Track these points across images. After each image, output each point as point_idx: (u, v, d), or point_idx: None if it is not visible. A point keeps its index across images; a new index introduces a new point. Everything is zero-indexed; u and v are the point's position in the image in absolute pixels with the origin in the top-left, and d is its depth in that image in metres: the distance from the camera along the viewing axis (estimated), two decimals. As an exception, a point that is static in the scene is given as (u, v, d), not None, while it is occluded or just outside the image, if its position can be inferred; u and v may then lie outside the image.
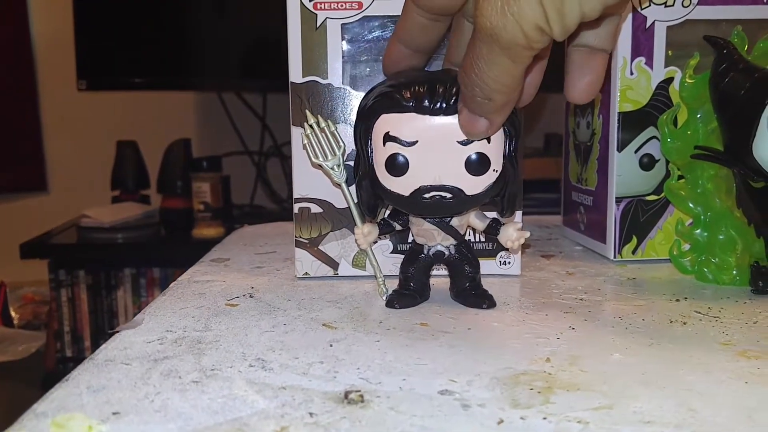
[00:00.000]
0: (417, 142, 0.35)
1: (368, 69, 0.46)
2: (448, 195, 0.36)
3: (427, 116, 0.35)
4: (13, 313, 1.62)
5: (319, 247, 0.45)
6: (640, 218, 0.48)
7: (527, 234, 0.39)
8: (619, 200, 0.47)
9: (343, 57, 0.43)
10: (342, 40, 0.44)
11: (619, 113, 0.47)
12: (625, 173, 0.47)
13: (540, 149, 1.61)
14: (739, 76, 0.40)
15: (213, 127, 1.80)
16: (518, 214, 0.44)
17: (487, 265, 0.45)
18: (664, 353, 0.32)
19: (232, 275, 0.47)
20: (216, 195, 1.44)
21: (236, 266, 0.49)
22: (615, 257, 0.48)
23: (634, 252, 0.48)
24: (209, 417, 0.25)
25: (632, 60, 0.46)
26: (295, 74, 0.43)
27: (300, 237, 0.45)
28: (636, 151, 0.47)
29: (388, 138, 0.36)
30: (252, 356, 0.32)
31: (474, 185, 0.36)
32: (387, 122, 0.36)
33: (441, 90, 0.35)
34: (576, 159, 0.54)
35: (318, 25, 0.43)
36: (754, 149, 0.38)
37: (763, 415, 0.26)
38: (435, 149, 0.35)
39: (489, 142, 0.35)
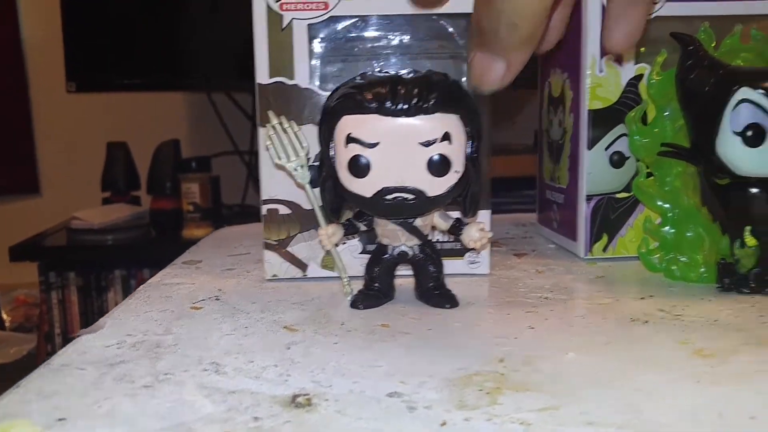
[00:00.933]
0: (379, 143, 0.35)
1: (336, 69, 0.46)
2: (411, 196, 0.36)
3: (389, 118, 0.35)
4: (4, 316, 1.63)
5: (288, 249, 0.45)
6: (610, 216, 0.48)
7: (490, 234, 0.39)
8: (589, 198, 0.47)
9: (310, 57, 0.43)
10: (309, 40, 0.44)
11: (589, 111, 0.47)
12: (595, 171, 0.47)
13: (530, 146, 1.61)
14: (703, 73, 0.40)
15: (203, 128, 1.80)
16: (487, 213, 0.44)
17: (456, 265, 0.45)
18: (620, 352, 0.32)
19: (201, 278, 0.47)
20: (205, 195, 1.45)
21: (207, 268, 0.49)
22: (586, 255, 0.48)
23: (604, 250, 0.48)
24: (155, 422, 0.25)
25: (601, 57, 0.46)
26: (262, 75, 0.43)
27: (268, 239, 0.45)
28: (606, 149, 0.47)
29: (350, 139, 0.35)
30: (208, 360, 0.32)
31: (436, 186, 0.36)
32: (349, 123, 0.36)
33: (403, 91, 0.35)
34: (549, 157, 0.54)
35: (284, 26, 0.43)
36: (717, 146, 0.38)
37: (708, 414, 0.26)
38: (397, 151, 0.35)
39: (450, 143, 0.35)
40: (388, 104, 0.35)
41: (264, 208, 0.44)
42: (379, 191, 0.36)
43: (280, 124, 0.38)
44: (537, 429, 0.25)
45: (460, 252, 0.45)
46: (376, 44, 0.46)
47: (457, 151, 0.36)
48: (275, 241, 0.44)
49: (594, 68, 0.46)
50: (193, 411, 0.26)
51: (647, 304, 0.39)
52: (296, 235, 0.44)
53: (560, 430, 0.25)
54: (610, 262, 0.48)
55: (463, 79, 0.48)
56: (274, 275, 0.45)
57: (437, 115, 0.35)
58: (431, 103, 0.35)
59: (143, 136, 1.69)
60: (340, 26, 0.45)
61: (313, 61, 0.46)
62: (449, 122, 0.35)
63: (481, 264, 0.45)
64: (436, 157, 0.35)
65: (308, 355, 0.32)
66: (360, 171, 0.35)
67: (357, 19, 0.44)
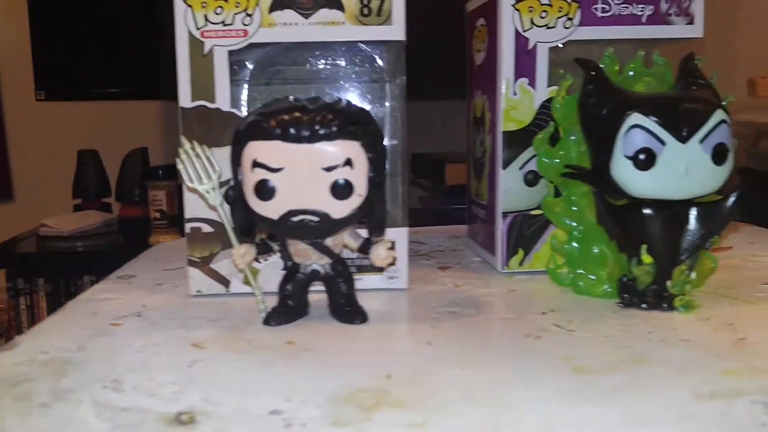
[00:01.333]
0: (283, 168, 0.37)
1: (260, 94, 0.48)
2: (315, 218, 0.37)
3: (293, 144, 0.37)
4: (-27, 322, 1.63)
5: (211, 266, 0.46)
6: (525, 232, 0.50)
7: (395, 254, 0.40)
8: (505, 215, 0.49)
9: (234, 82, 0.45)
10: (233, 65, 0.45)
11: (504, 132, 0.48)
12: (510, 189, 0.49)
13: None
14: (602, 98, 0.42)
15: (174, 136, 1.80)
16: (404, 230, 0.46)
17: (375, 280, 0.47)
18: (504, 369, 0.34)
19: (130, 293, 0.48)
20: (172, 203, 1.45)
21: (139, 283, 0.51)
22: (503, 269, 0.50)
23: (521, 264, 0.50)
24: (42, 440, 0.27)
25: (515, 81, 0.48)
26: (185, 99, 0.45)
27: (192, 256, 0.46)
28: (521, 168, 0.49)
29: (255, 164, 0.37)
30: (110, 378, 0.33)
31: (339, 209, 0.37)
32: (255, 149, 0.37)
33: (306, 119, 0.36)
34: (474, 174, 0.55)
35: (206, 52, 0.44)
36: (612, 169, 0.40)
37: (565, 430, 0.27)
38: (300, 175, 0.37)
39: (352, 168, 0.37)
40: (291, 131, 0.36)
41: (188, 227, 0.46)
42: (284, 214, 0.37)
43: (193, 148, 0.40)
44: (399, 445, 0.26)
45: (379, 267, 0.47)
46: (299, 70, 0.48)
47: (359, 176, 0.37)
48: (199, 258, 0.46)
49: (508, 91, 0.48)
50: (78, 429, 0.28)
51: (546, 319, 0.41)
52: (218, 252, 0.46)
53: (420, 446, 0.26)
54: (526, 276, 0.50)
55: (387, 103, 0.49)
56: (198, 291, 0.46)
57: (339, 141, 0.36)
58: (333, 130, 0.36)
59: (114, 144, 1.69)
60: (263, 52, 0.47)
61: (238, 86, 0.47)
62: (351, 148, 0.37)
63: (400, 279, 0.47)
64: (337, 182, 0.37)
65: (207, 373, 0.34)
66: (266, 194, 0.37)
67: (279, 45, 0.46)
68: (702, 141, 0.38)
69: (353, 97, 0.49)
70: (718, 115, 0.39)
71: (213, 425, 0.28)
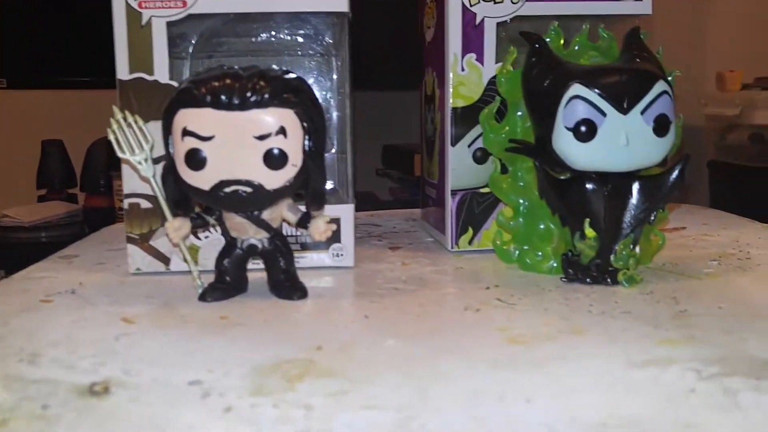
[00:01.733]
0: (214, 137, 0.36)
1: (203, 66, 0.47)
2: (248, 189, 0.36)
3: (223, 111, 0.35)
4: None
5: (150, 243, 0.45)
6: (475, 210, 0.49)
7: (333, 227, 0.39)
8: (454, 193, 0.49)
9: (170, 54, 0.44)
10: (174, 37, 0.44)
11: (452, 109, 0.48)
12: (459, 167, 0.48)
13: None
14: (544, 71, 0.41)
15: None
16: (350, 207, 0.45)
17: (320, 258, 0.46)
18: (437, 340, 0.33)
19: (68, 272, 0.47)
20: (138, 193, 1.43)
21: (80, 263, 0.49)
22: (452, 248, 0.49)
23: (470, 242, 0.49)
24: (-56, 411, 0.26)
25: (463, 56, 0.47)
26: (122, 71, 0.43)
27: (131, 233, 0.45)
28: (469, 146, 0.48)
29: (185, 132, 0.36)
30: (29, 351, 0.32)
31: (273, 180, 0.36)
32: (185, 117, 0.36)
33: (237, 86, 0.35)
34: (426, 153, 0.55)
35: (143, 23, 0.43)
36: (554, 142, 0.40)
37: (489, 397, 0.27)
38: (232, 144, 0.36)
39: (286, 137, 0.36)
40: (222, 98, 0.35)
41: (126, 202, 0.44)
42: (216, 184, 0.36)
43: (124, 118, 0.39)
44: (317, 413, 0.26)
45: (325, 245, 0.46)
46: (243, 42, 0.47)
47: (293, 146, 0.36)
48: (137, 235, 0.45)
49: (456, 67, 0.47)
50: (-17, 400, 0.26)
51: (489, 293, 0.40)
52: (158, 228, 0.45)
53: (339, 414, 0.26)
54: (474, 255, 0.49)
55: (334, 76, 0.49)
56: (138, 269, 0.45)
57: (271, 109, 0.35)
58: (265, 97, 0.35)
59: (79, 133, 1.66)
60: (205, 24, 0.46)
61: (181, 60, 0.46)
62: (284, 116, 0.36)
63: (345, 257, 0.46)
64: (271, 151, 0.36)
65: (132, 346, 0.32)
66: (197, 164, 0.36)
67: (222, 17, 0.45)
68: (643, 112, 0.38)
69: (298, 71, 0.47)
70: (660, 86, 0.38)
71: (127, 395, 0.27)
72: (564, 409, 0.26)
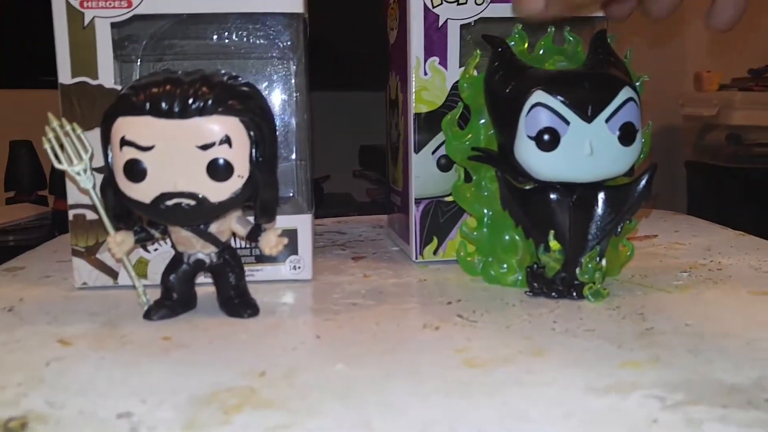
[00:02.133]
0: (154, 146, 0.34)
1: (152, 70, 0.44)
2: (191, 202, 0.34)
3: (163, 120, 0.33)
4: None
5: (97, 256, 0.43)
6: (439, 219, 0.47)
7: (285, 240, 0.37)
8: (418, 201, 0.47)
9: (118, 56, 0.41)
10: (121, 40, 0.42)
11: (415, 114, 0.46)
12: (423, 174, 0.47)
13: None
14: (506, 76, 0.39)
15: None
16: (308, 217, 0.43)
17: (276, 271, 0.44)
18: (390, 363, 0.31)
19: (11, 286, 0.44)
20: (108, 195, 1.40)
21: (25, 276, 0.47)
22: (417, 258, 0.48)
23: (435, 253, 0.48)
24: None
25: (426, 60, 0.45)
26: (64, 75, 0.41)
27: (76, 245, 0.42)
28: (433, 153, 0.47)
29: (124, 142, 0.34)
30: (-51, 379, 0.29)
31: (218, 192, 0.34)
32: (123, 125, 0.34)
33: (178, 92, 0.33)
34: (391, 159, 0.53)
35: (86, 24, 0.41)
36: (516, 150, 0.38)
37: (435, 429, 0.25)
38: (173, 154, 0.34)
39: (231, 147, 0.34)
40: (162, 105, 0.33)
41: (71, 213, 0.42)
42: (157, 197, 0.34)
43: (61, 126, 0.36)
44: (251, 450, 0.24)
45: (282, 258, 0.44)
46: (194, 44, 0.44)
47: (239, 156, 0.34)
48: (83, 247, 0.42)
49: (419, 71, 0.45)
50: None
51: (449, 309, 0.38)
52: (104, 241, 0.42)
53: (274, 451, 0.24)
54: (440, 265, 0.47)
55: (293, 80, 0.46)
56: (84, 283, 0.43)
57: (215, 117, 0.33)
58: (208, 103, 0.33)
59: (50, 133, 1.63)
60: (155, 25, 0.43)
61: (129, 63, 0.44)
62: (229, 125, 0.34)
63: (303, 269, 0.44)
64: (215, 161, 0.34)
65: (63, 373, 0.30)
66: (136, 176, 0.34)
67: (173, 18, 0.42)
68: (608, 120, 0.36)
69: (254, 74, 0.45)
70: (625, 93, 0.37)
71: (46, 431, 0.25)
72: (516, 444, 0.24)
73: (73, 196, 0.42)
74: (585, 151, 0.36)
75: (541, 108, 0.37)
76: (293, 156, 0.47)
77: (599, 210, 0.39)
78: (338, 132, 1.53)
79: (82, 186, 0.37)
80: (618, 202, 0.39)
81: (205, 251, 0.37)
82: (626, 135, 0.36)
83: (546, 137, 0.37)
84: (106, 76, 0.41)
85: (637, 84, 0.40)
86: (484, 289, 0.42)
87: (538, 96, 0.37)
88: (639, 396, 0.27)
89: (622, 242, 0.42)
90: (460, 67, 0.46)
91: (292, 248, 0.43)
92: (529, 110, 0.37)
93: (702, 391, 0.28)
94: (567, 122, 0.36)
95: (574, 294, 0.39)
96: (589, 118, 0.36)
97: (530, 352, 0.32)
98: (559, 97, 0.36)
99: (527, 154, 0.37)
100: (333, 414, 0.26)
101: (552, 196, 0.39)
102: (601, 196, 0.39)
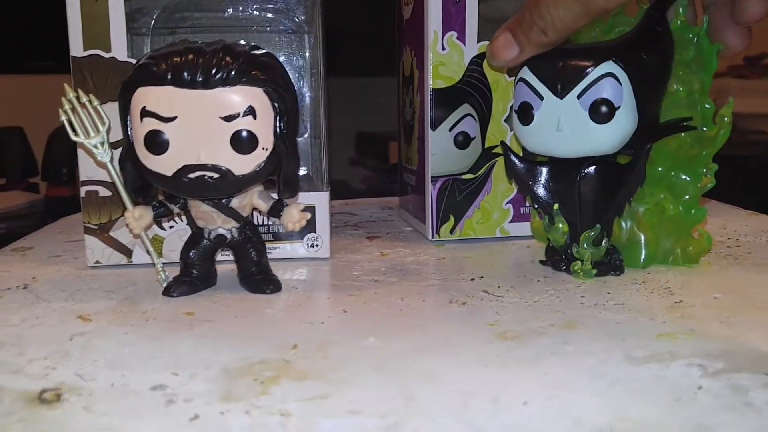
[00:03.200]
0: (176, 117, 0.33)
1: (166, 43, 0.43)
2: (215, 174, 0.33)
3: (186, 90, 0.33)
4: None
5: (110, 234, 0.42)
6: (456, 197, 0.46)
7: (308, 216, 0.37)
8: (435, 179, 0.46)
9: (129, 29, 0.40)
10: (134, 12, 0.41)
11: (432, 90, 0.45)
12: (439, 152, 0.46)
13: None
14: None
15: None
16: (325, 195, 0.43)
17: (294, 249, 0.43)
18: (421, 336, 0.31)
19: (21, 265, 0.43)
20: (102, 182, 1.39)
21: (34, 256, 0.46)
22: (433, 237, 0.47)
23: (452, 231, 0.47)
24: None
25: (443, 35, 0.45)
26: (76, 48, 0.40)
27: (89, 223, 0.42)
28: (450, 129, 0.46)
29: (145, 113, 0.33)
30: (-29, 354, 0.29)
31: (242, 164, 0.34)
32: (144, 96, 0.33)
33: (200, 62, 0.32)
34: (404, 138, 0.52)
35: (99, -6, 0.40)
36: (512, 123, 0.38)
37: (481, 400, 0.24)
38: (196, 125, 0.33)
39: (255, 118, 0.33)
40: (185, 75, 0.32)
41: (83, 190, 0.41)
42: (179, 169, 0.33)
43: (77, 97, 0.35)
44: (295, 420, 0.23)
45: (299, 235, 0.43)
46: (208, 17, 0.44)
47: (263, 127, 0.33)
48: (96, 225, 0.42)
49: (436, 46, 0.45)
50: None
51: (474, 285, 0.38)
52: (118, 218, 0.41)
53: (318, 421, 0.23)
54: (456, 244, 0.47)
55: (307, 54, 0.46)
56: (97, 262, 0.42)
57: (239, 87, 0.33)
58: (232, 74, 0.32)
59: (40, 120, 1.60)
60: (169, -2, 0.42)
61: (141, 36, 0.43)
62: (253, 96, 0.33)
63: (321, 247, 0.44)
64: (239, 133, 0.33)
65: (88, 347, 0.29)
66: (157, 147, 0.33)
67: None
68: (579, 96, 0.36)
69: (268, 48, 0.44)
70: (605, 67, 0.35)
71: (81, 403, 0.24)
72: (565, 412, 0.23)
73: (85, 172, 0.41)
74: (553, 126, 0.36)
75: (522, 83, 0.37)
76: (307, 133, 0.46)
77: (599, 188, 0.38)
78: (334, 118, 1.52)
79: (100, 159, 0.36)
80: (607, 180, 0.38)
81: (226, 226, 0.37)
82: (598, 112, 0.35)
83: (524, 111, 0.37)
84: (119, 49, 0.40)
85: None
86: (505, 267, 0.42)
87: (523, 71, 0.37)
88: (680, 365, 0.27)
89: (698, 230, 0.41)
90: (477, 41, 0.45)
91: (309, 226, 0.43)
92: (515, 84, 0.38)
93: (741, 360, 0.27)
94: (541, 97, 0.36)
95: (564, 268, 0.39)
96: (560, 94, 0.36)
97: (562, 325, 0.32)
98: (534, 73, 0.36)
99: (515, 127, 0.39)
100: (372, 385, 0.26)
101: (555, 170, 0.39)
102: (602, 173, 0.38)
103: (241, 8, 0.43)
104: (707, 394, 0.25)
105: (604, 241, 0.39)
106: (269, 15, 0.43)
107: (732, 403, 0.24)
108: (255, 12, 0.43)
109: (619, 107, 0.35)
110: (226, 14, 0.43)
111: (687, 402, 0.24)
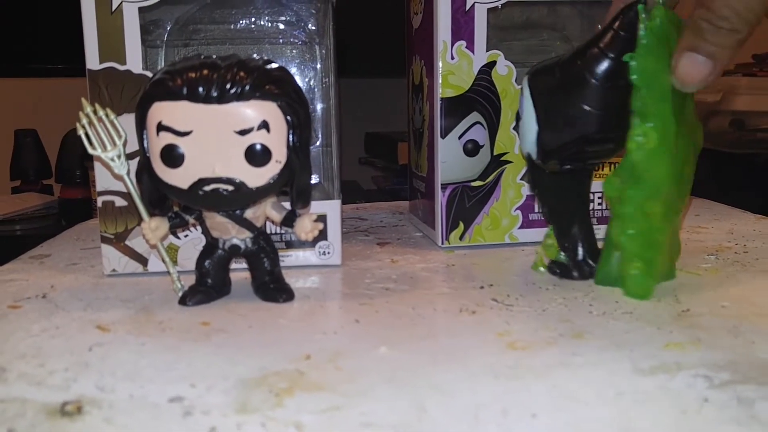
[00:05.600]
0: (192, 132, 0.34)
1: (180, 56, 0.44)
2: (229, 187, 0.34)
3: (201, 104, 0.33)
4: None
5: (126, 243, 0.43)
6: (466, 204, 0.47)
7: (320, 226, 0.37)
8: (444, 186, 0.47)
9: (143, 42, 0.41)
10: (147, 25, 0.42)
11: (442, 99, 0.46)
12: (449, 159, 0.46)
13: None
14: None
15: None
16: (337, 203, 0.43)
17: (306, 256, 0.44)
18: (433, 346, 0.31)
19: (40, 273, 0.44)
20: (114, 184, 1.40)
21: (52, 263, 0.47)
22: (443, 243, 0.48)
23: (461, 238, 0.48)
24: None
25: (453, 44, 0.45)
26: (92, 60, 0.41)
27: (105, 232, 0.42)
28: (460, 137, 0.46)
29: (161, 127, 0.34)
30: (-5, 365, 0.29)
31: (256, 177, 0.34)
32: (160, 110, 0.34)
33: (215, 77, 0.33)
34: (414, 145, 0.53)
35: (114, 8, 0.40)
36: None
37: (491, 412, 0.25)
38: (211, 140, 0.34)
39: (269, 132, 0.34)
40: (200, 90, 0.33)
41: (99, 200, 0.42)
42: (195, 182, 0.34)
43: (94, 111, 0.36)
44: (309, 432, 0.24)
45: (311, 243, 0.44)
46: (220, 29, 0.44)
47: (277, 141, 0.34)
48: (112, 234, 0.42)
49: (445, 55, 0.45)
50: (-58, 425, 0.24)
51: (483, 293, 0.38)
52: (134, 227, 0.42)
53: (332, 433, 0.24)
54: (466, 251, 0.47)
55: (318, 65, 0.46)
56: (113, 270, 0.43)
57: (253, 102, 0.33)
58: (246, 89, 0.33)
59: (54, 122, 1.62)
60: (181, 10, 0.43)
61: (155, 48, 0.44)
62: (267, 110, 0.34)
63: (332, 255, 0.44)
64: (253, 146, 0.34)
65: (107, 358, 0.30)
66: (173, 161, 0.34)
67: (198, 3, 0.42)
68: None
69: (280, 59, 0.45)
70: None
71: (102, 415, 0.25)
72: (573, 424, 0.24)
73: (102, 182, 0.42)
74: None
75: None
76: (319, 142, 0.47)
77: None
78: (343, 119, 1.53)
79: (117, 172, 0.37)
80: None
81: (240, 237, 0.37)
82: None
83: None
84: (134, 61, 0.41)
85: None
86: (514, 274, 0.42)
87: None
88: (686, 376, 0.27)
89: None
90: (486, 51, 0.45)
91: (321, 234, 0.43)
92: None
93: (748, 371, 0.28)
94: None
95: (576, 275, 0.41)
96: None
97: (571, 335, 0.32)
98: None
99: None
100: (384, 397, 0.26)
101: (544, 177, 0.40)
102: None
103: (253, 20, 0.44)
104: (713, 406, 0.25)
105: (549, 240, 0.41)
106: (281, 26, 0.44)
107: (737, 415, 0.24)
108: (267, 24, 0.44)
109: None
110: (238, 26, 0.44)
111: (693, 414, 0.25)
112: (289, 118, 0.34)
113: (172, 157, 0.34)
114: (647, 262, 0.37)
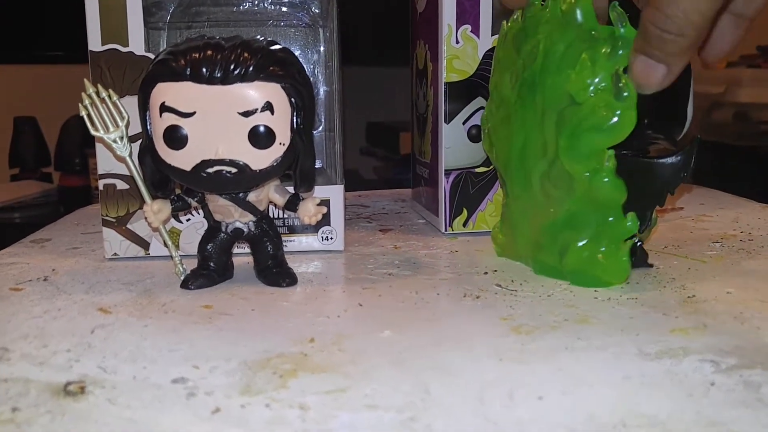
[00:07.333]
0: (195, 113, 0.33)
1: (183, 37, 0.44)
2: (233, 169, 0.34)
3: (204, 86, 0.33)
4: None
5: (128, 226, 0.42)
6: (469, 190, 0.47)
7: (324, 209, 0.37)
8: (448, 172, 0.46)
9: (145, 23, 0.41)
10: (150, 5, 0.41)
11: (446, 84, 0.45)
12: (453, 145, 0.46)
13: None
14: None
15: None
16: (339, 188, 0.43)
17: (308, 242, 0.44)
18: (437, 330, 0.31)
19: (40, 257, 0.44)
20: (114, 171, 1.39)
21: (52, 247, 0.47)
22: (446, 230, 0.47)
23: (465, 224, 0.47)
24: None
25: (458, 28, 0.45)
26: (94, 42, 0.40)
27: (107, 216, 0.42)
28: (464, 123, 0.46)
29: (164, 108, 0.33)
30: (-3, 346, 0.29)
31: (260, 159, 0.34)
32: (163, 91, 0.33)
33: (219, 58, 0.33)
34: (417, 131, 0.52)
35: (116, -11, 0.40)
36: None
37: (494, 393, 0.25)
38: (214, 121, 0.33)
39: (272, 114, 0.33)
40: (204, 71, 0.33)
41: (101, 183, 0.42)
42: (198, 164, 0.34)
43: (97, 92, 0.36)
44: (313, 414, 0.24)
45: (314, 228, 0.44)
46: (223, 11, 0.44)
47: (280, 123, 0.34)
48: (113, 218, 0.42)
49: (450, 39, 0.45)
50: (-56, 403, 0.24)
51: (487, 279, 0.38)
52: (136, 211, 0.42)
53: (336, 414, 0.24)
54: (470, 237, 0.47)
55: (322, 48, 0.46)
56: (115, 254, 0.43)
57: (257, 83, 0.33)
58: (250, 70, 0.33)
59: (53, 110, 1.61)
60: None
61: (157, 30, 0.43)
62: (271, 91, 0.33)
63: (335, 240, 0.44)
64: (257, 128, 0.33)
65: (109, 340, 0.30)
66: (176, 142, 0.33)
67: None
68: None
69: (283, 42, 0.45)
70: None
71: (105, 395, 0.25)
72: (579, 407, 0.24)
73: (103, 165, 0.41)
74: None
75: None
76: (322, 126, 0.47)
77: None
78: (345, 109, 1.52)
79: (119, 153, 0.36)
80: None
81: (243, 220, 0.37)
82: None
83: None
84: (137, 43, 0.40)
85: None
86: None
87: None
88: (692, 360, 0.27)
89: None
90: (492, 35, 0.45)
91: (324, 219, 0.43)
92: None
93: (754, 356, 0.28)
94: None
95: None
96: None
97: (576, 320, 0.32)
98: None
99: None
100: (388, 378, 0.26)
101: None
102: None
103: (256, 2, 0.43)
104: (719, 390, 0.25)
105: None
106: (284, 9, 0.44)
107: (744, 399, 0.24)
108: (270, 6, 0.43)
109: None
110: (241, 8, 0.44)
111: (699, 398, 0.24)
112: (293, 100, 0.34)
113: (175, 138, 0.33)
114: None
